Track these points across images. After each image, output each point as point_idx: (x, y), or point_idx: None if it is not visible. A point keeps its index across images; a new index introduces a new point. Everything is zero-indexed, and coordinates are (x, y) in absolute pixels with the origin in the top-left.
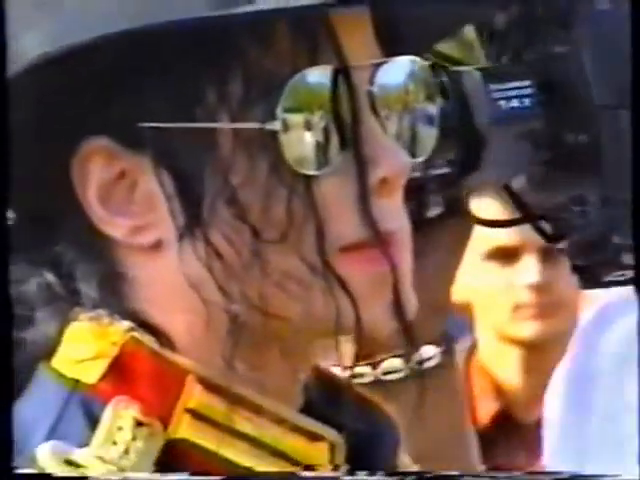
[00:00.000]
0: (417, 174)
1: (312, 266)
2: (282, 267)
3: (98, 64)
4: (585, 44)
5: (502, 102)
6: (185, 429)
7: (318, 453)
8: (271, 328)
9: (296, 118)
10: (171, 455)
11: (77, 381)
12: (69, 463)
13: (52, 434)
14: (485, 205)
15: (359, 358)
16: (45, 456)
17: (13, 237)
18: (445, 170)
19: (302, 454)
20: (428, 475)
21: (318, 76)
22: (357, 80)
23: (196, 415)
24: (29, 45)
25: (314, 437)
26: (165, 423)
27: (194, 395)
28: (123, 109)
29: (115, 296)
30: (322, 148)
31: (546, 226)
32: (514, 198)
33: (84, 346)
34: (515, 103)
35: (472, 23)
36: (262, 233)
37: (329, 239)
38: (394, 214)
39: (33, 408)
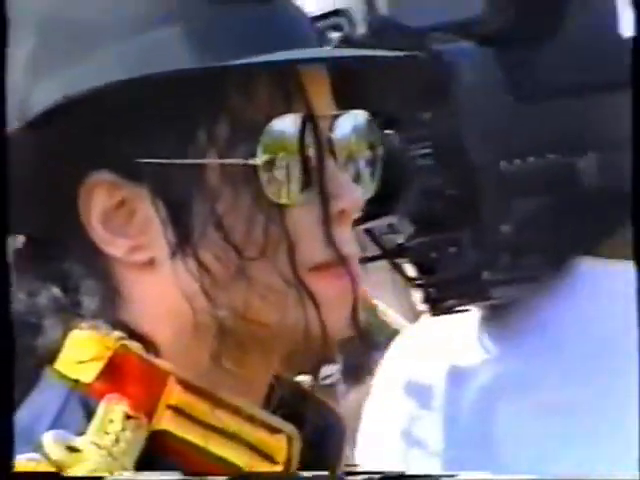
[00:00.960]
0: None
1: (287, 281)
2: (262, 281)
3: (103, 109)
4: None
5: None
6: (166, 422)
7: (278, 444)
8: (252, 332)
9: (271, 158)
10: (154, 444)
11: (76, 381)
12: (69, 449)
13: (55, 424)
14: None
15: (319, 363)
16: (49, 443)
17: (26, 256)
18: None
19: (264, 445)
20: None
21: (289, 123)
22: (321, 127)
23: (176, 410)
24: (42, 95)
25: (274, 430)
26: (149, 417)
27: (174, 393)
28: (123, 146)
29: (111, 308)
30: (291, 184)
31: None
32: (374, 239)
33: (83, 351)
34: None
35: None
36: (244, 252)
37: (300, 259)
38: (350, 239)
39: (39, 403)
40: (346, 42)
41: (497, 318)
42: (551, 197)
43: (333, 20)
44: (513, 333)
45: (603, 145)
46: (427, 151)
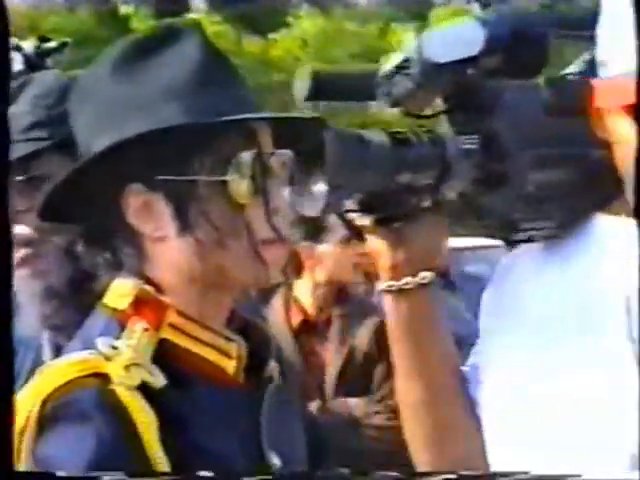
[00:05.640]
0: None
1: (247, 249)
2: (232, 250)
3: (135, 150)
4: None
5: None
6: (168, 334)
7: (232, 348)
8: (223, 280)
9: (237, 176)
10: (160, 346)
11: (115, 309)
12: (112, 347)
13: (102, 334)
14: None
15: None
16: (100, 343)
17: (90, 236)
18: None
19: (224, 348)
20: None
21: (247, 156)
22: (264, 158)
23: (174, 327)
24: (99, 144)
25: (230, 339)
26: (158, 330)
27: (173, 317)
28: (146, 170)
29: (139, 266)
30: (247, 191)
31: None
32: (342, 218)
33: (121, 291)
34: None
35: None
36: (221, 232)
37: (257, 236)
38: (285, 225)
39: (93, 322)
40: (408, 77)
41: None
42: (566, 169)
43: (403, 64)
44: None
45: None
46: (474, 141)
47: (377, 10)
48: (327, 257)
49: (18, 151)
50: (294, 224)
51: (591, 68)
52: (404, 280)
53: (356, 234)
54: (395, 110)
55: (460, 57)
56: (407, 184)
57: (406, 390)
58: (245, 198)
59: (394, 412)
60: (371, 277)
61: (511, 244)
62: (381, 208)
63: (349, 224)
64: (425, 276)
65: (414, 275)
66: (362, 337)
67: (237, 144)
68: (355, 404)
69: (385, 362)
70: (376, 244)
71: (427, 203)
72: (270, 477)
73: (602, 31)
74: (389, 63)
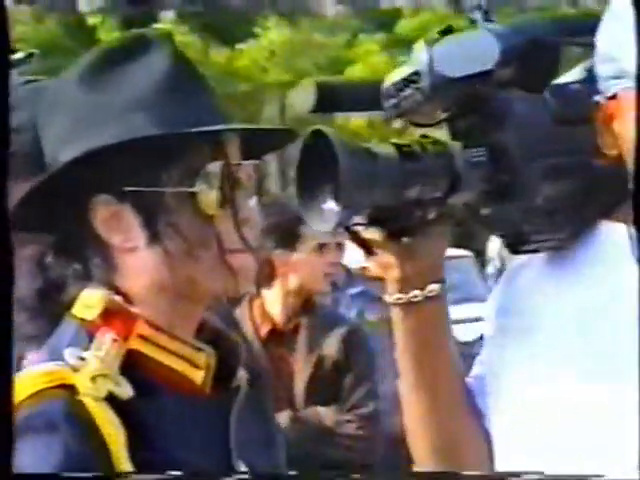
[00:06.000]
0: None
1: (216, 259)
2: (202, 259)
3: (102, 160)
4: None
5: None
6: (136, 344)
7: (200, 357)
8: (192, 290)
9: (205, 187)
10: (129, 356)
11: (83, 319)
12: (79, 358)
13: (70, 345)
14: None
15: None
16: (67, 354)
17: (59, 247)
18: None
19: (193, 357)
20: None
21: (215, 167)
22: (232, 170)
23: (142, 337)
24: (67, 154)
25: (199, 349)
26: (126, 341)
27: (141, 327)
28: (114, 180)
29: (108, 277)
30: (215, 202)
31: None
32: (352, 234)
33: (89, 302)
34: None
35: None
36: (190, 242)
37: (226, 246)
38: (253, 235)
39: (62, 333)
40: (419, 90)
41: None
42: (573, 179)
43: (412, 77)
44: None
45: None
46: (481, 153)
47: (344, 21)
48: (300, 265)
49: None
50: (268, 232)
51: (591, 75)
52: (412, 293)
53: (364, 248)
54: (399, 121)
55: (474, 71)
56: (416, 198)
57: (412, 402)
58: (214, 209)
59: (365, 420)
60: (337, 287)
61: (518, 253)
62: (390, 222)
63: (357, 238)
64: (433, 289)
65: (422, 288)
66: (331, 346)
67: (205, 155)
68: (325, 413)
69: (353, 371)
70: (385, 258)
71: (433, 215)
72: None
73: (603, 36)
74: (398, 75)
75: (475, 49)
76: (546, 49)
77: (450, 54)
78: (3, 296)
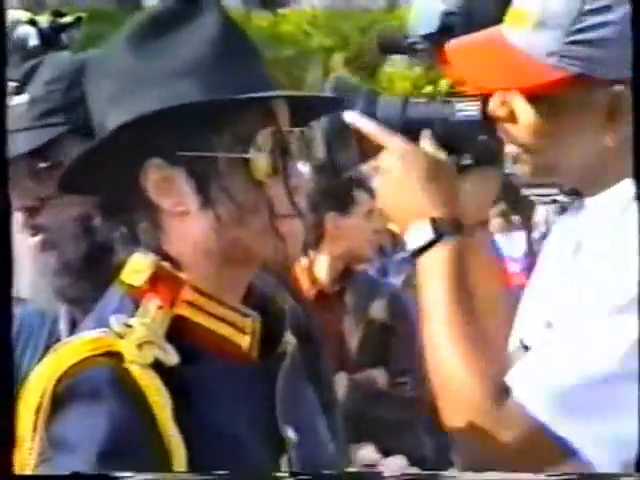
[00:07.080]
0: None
1: (266, 224)
2: (252, 224)
3: (156, 124)
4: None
5: None
6: (182, 310)
7: (247, 323)
8: (241, 255)
9: (257, 154)
10: (174, 323)
11: (130, 285)
12: (125, 325)
13: (116, 311)
14: None
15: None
16: (113, 321)
17: (107, 210)
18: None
19: (239, 323)
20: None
21: (265, 134)
22: (284, 136)
23: (188, 303)
24: (115, 119)
25: (245, 315)
26: (172, 307)
27: (187, 293)
28: (168, 144)
29: (156, 242)
30: (266, 169)
31: None
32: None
33: (137, 267)
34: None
35: None
36: (242, 207)
37: (276, 212)
38: (302, 201)
39: (108, 299)
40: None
41: None
42: None
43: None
44: None
45: None
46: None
47: None
48: (349, 230)
49: (36, 138)
50: (322, 195)
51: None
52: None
53: None
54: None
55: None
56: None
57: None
58: (265, 175)
59: (417, 382)
60: (385, 253)
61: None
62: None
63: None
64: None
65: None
66: (377, 310)
67: (256, 121)
68: (378, 375)
69: (401, 334)
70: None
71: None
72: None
73: None
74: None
75: None
76: None
77: None
78: (3, 296)
